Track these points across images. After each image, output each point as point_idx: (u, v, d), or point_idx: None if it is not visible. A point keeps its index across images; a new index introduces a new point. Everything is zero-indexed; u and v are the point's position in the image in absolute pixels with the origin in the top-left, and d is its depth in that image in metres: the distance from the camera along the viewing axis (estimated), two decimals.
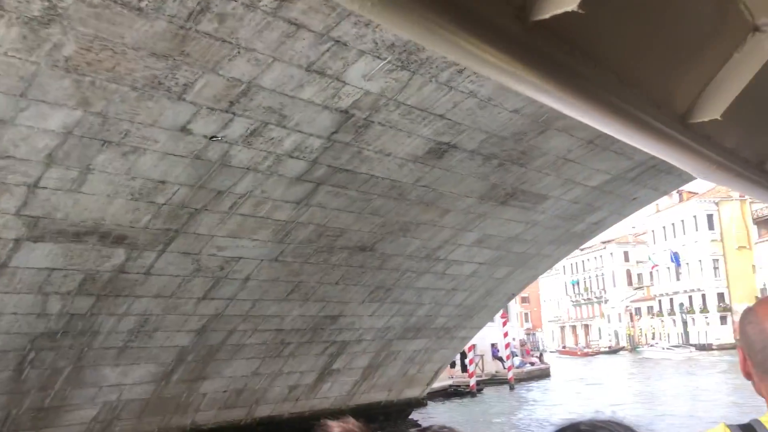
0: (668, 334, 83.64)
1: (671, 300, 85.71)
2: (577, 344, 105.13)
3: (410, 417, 19.85)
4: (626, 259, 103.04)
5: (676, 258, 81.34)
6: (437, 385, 30.93)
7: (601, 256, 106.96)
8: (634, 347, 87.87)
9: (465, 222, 13.00)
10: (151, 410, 11.90)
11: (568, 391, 34.21)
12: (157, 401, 11.91)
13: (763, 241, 75.05)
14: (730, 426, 1.40)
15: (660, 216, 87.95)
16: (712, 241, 79.44)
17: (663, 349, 71.86)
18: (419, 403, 19.09)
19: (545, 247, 16.10)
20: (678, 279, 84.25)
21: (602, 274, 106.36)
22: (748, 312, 1.50)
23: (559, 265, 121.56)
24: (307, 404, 15.45)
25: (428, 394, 29.71)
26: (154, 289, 9.99)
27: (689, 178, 14.42)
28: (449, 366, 33.31)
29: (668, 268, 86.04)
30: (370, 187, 10.32)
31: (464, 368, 33.20)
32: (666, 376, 40.35)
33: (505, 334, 34.00)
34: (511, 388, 33.04)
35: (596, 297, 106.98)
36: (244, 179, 8.86)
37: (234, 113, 7.62)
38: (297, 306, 12.67)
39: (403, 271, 13.77)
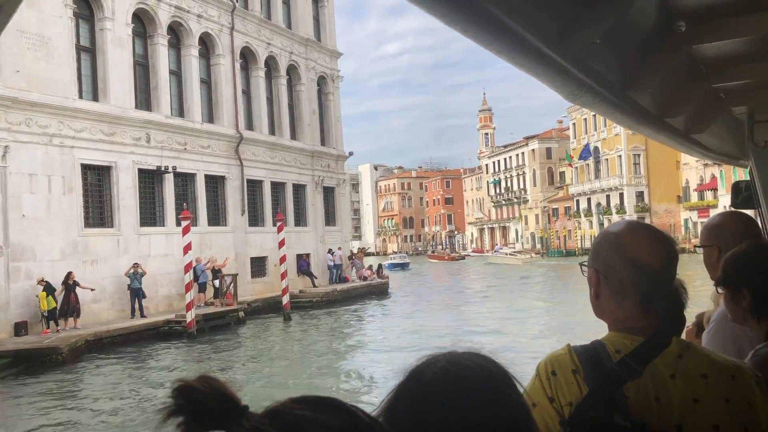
0: (582, 236, 75.97)
1: (589, 200, 77.63)
2: (493, 246, 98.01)
3: None
4: (548, 156, 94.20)
5: (587, 151, 72.56)
6: (153, 319, 20.97)
7: (523, 153, 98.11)
8: (547, 250, 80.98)
9: None
10: None
11: (393, 317, 24.85)
12: None
13: None
14: (574, 347, 1.45)
15: (582, 108, 78.56)
16: (634, 133, 70.57)
17: (506, 254, 70.31)
18: None
19: None
20: (597, 177, 75.73)
21: (524, 173, 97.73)
22: (606, 234, 1.54)
23: (482, 164, 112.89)
24: None
25: (129, 333, 19.92)
26: None
27: None
28: (198, 291, 23.33)
29: (587, 164, 77.49)
30: None
31: (223, 292, 23.21)
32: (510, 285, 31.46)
33: (281, 244, 23.92)
34: (286, 319, 23.35)
35: (516, 197, 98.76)
36: None
37: None
38: None
39: None
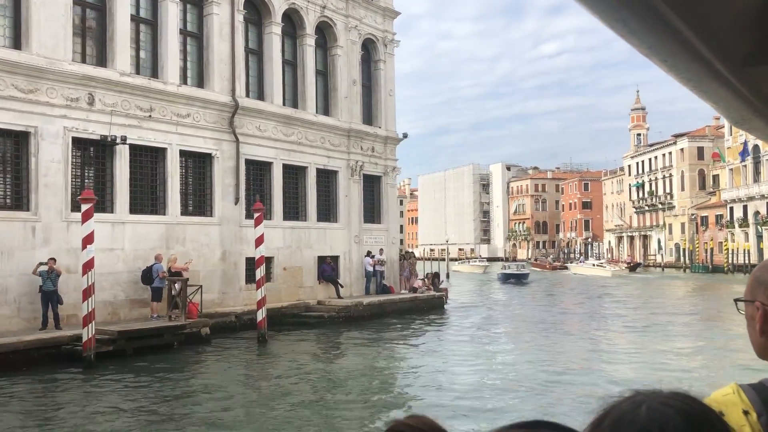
0: (733, 250, 64.18)
1: (745, 207, 65.77)
2: (632, 257, 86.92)
3: None
4: (700, 157, 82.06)
5: (746, 149, 60.96)
6: (55, 334, 15.90)
7: (670, 153, 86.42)
8: (691, 263, 69.67)
9: None
10: None
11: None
12: None
13: None
14: (741, 386, 1.39)
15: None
16: None
17: (592, 265, 63.39)
18: None
19: None
20: (756, 181, 63.89)
21: (670, 175, 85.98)
22: None
23: (624, 165, 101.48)
24: None
25: (9, 353, 14.81)
26: None
27: None
28: (151, 299, 18.16)
29: (744, 166, 65.76)
30: None
31: (172, 301, 17.79)
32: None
33: (258, 241, 18.17)
34: (261, 342, 17.57)
35: (660, 203, 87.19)
36: None
37: None
38: None
39: None
